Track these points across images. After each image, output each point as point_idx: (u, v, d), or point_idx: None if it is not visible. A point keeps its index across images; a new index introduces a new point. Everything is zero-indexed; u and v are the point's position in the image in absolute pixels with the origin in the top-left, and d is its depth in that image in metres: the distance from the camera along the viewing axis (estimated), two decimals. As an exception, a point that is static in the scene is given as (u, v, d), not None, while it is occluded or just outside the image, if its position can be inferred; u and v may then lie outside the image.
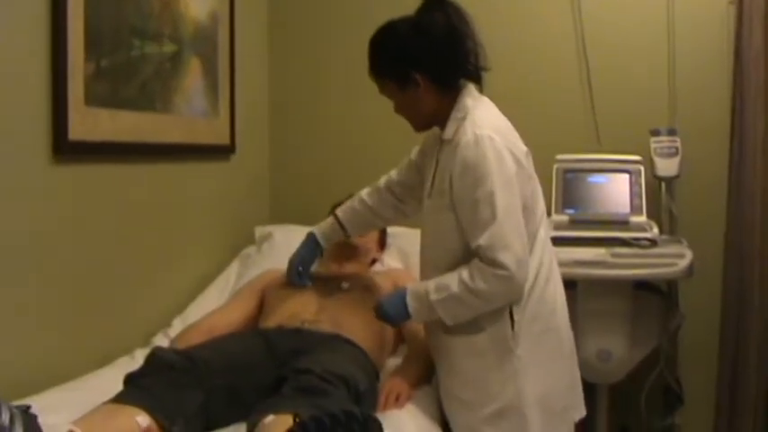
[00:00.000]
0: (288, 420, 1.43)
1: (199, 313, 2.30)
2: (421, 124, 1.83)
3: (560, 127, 2.78)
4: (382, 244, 2.53)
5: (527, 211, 1.71)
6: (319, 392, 1.60)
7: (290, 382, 1.65)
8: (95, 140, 2.02)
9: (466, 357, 1.77)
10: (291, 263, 2.14)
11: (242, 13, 2.81)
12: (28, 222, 1.85)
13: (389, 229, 2.55)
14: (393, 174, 2.09)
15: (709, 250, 2.58)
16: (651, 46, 2.71)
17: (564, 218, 2.50)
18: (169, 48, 2.36)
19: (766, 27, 2.50)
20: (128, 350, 2.15)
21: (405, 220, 2.15)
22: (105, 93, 2.05)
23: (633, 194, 2.51)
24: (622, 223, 2.45)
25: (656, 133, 2.57)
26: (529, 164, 1.76)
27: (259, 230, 2.85)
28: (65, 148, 1.91)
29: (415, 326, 2.06)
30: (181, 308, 2.42)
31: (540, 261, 1.76)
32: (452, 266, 1.72)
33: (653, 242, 2.33)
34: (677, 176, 2.55)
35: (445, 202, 1.72)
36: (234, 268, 2.66)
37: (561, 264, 1.91)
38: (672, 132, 2.57)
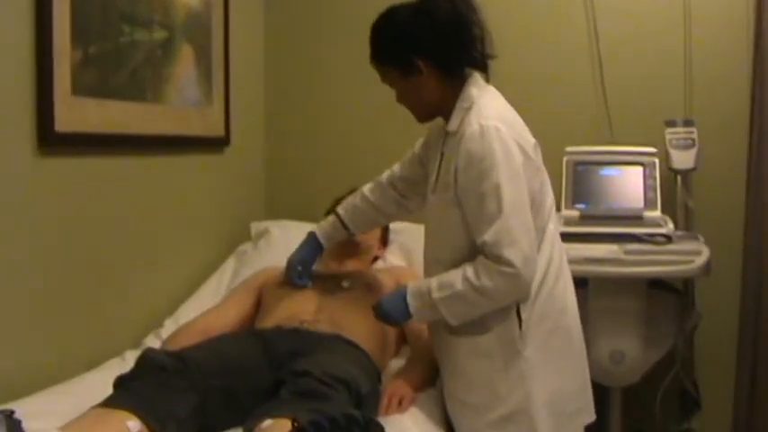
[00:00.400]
0: (286, 425, 1.43)
1: (192, 313, 2.30)
2: (424, 114, 1.82)
3: (571, 117, 2.77)
4: (384, 240, 2.53)
5: (535, 205, 1.70)
6: (319, 396, 1.60)
7: (288, 386, 1.65)
8: (83, 132, 2.01)
9: (471, 358, 1.76)
10: (290, 263, 2.14)
11: (237, -2, 2.81)
12: (12, 218, 1.85)
13: (392, 225, 2.55)
14: (396, 168, 2.08)
15: (727, 247, 2.58)
16: (667, 32, 2.70)
17: (574, 213, 2.50)
18: (160, 34, 2.35)
19: (787, 12, 2.49)
20: (117, 352, 2.14)
21: (408, 216, 2.15)
22: (93, 82, 2.04)
23: (647, 188, 2.50)
24: (636, 218, 2.44)
25: (671, 124, 2.56)
26: (537, 156, 1.76)
27: (255, 226, 2.85)
28: (51, 141, 1.91)
29: (419, 326, 2.06)
30: (173, 307, 2.42)
31: (549, 257, 1.75)
32: (457, 264, 1.71)
33: (668, 238, 2.33)
34: (694, 169, 2.55)
35: (450, 196, 1.71)
36: (229, 266, 2.66)
37: (571, 261, 1.91)
38: (688, 123, 2.56)
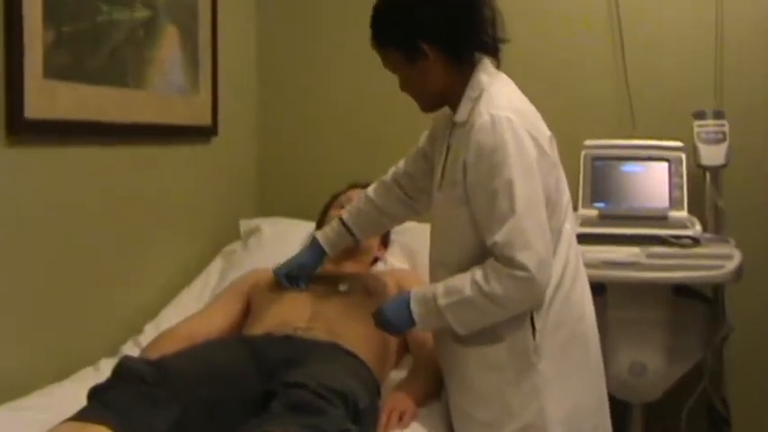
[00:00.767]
0: (276, 441, 1.42)
1: (174, 318, 2.29)
2: (429, 103, 1.82)
3: (589, 108, 2.77)
4: (385, 241, 2.54)
5: (551, 203, 1.70)
6: (313, 410, 1.59)
7: (279, 398, 1.64)
8: (56, 119, 2.00)
9: (481, 371, 1.75)
10: (286, 268, 2.16)
11: (226, -26, 2.81)
12: (-22, 212, 1.84)
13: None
14: (400, 164, 2.09)
15: (761, 250, 2.58)
16: (696, 16, 2.70)
17: (592, 212, 2.49)
18: (142, 13, 2.34)
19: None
20: (92, 360, 2.14)
21: (416, 217, 2.14)
22: (67, 65, 2.03)
23: (673, 186, 2.50)
24: (660, 219, 2.44)
25: (700, 116, 2.55)
26: (553, 150, 1.75)
27: (245, 224, 2.85)
28: (20, 128, 1.90)
29: (422, 334, 2.06)
30: (154, 312, 2.41)
31: (565, 260, 1.74)
32: (465, 267, 1.71)
33: (695, 241, 2.33)
34: (724, 165, 2.54)
35: (458, 193, 1.71)
36: (216, 267, 2.66)
37: (589, 265, 1.91)
38: (718, 115, 2.55)
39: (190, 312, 2.29)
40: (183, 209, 2.64)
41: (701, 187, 2.57)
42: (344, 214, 2.14)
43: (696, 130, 2.54)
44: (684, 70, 2.71)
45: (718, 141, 2.52)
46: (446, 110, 1.84)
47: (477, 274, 1.66)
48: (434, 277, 1.82)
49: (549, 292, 1.70)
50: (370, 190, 2.12)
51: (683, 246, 2.31)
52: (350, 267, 2.30)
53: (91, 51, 2.12)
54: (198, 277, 2.61)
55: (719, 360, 2.68)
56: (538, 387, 1.71)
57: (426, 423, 1.87)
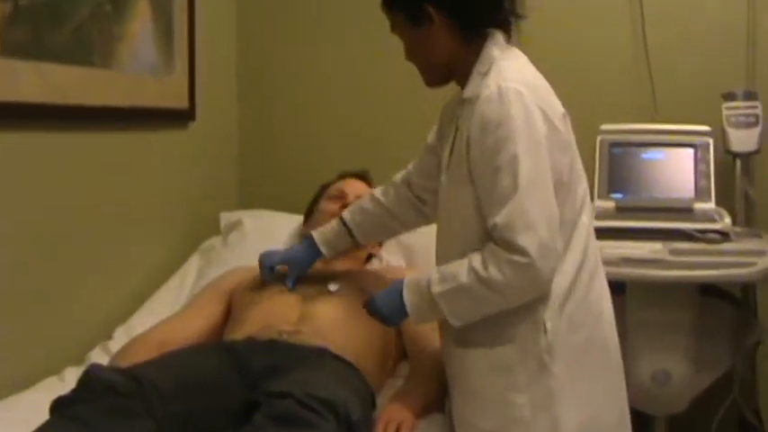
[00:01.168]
0: (259, 457, 1.42)
1: (147, 322, 2.29)
2: (434, 75, 1.83)
3: (606, 89, 2.77)
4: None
5: (563, 187, 1.70)
6: (300, 422, 1.59)
7: (262, 409, 1.64)
8: (13, 101, 1.99)
9: (487, 375, 1.75)
10: (273, 259, 2.17)
11: (203, -59, 2.80)
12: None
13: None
14: (410, 165, 2.11)
15: (796, 246, 2.57)
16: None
17: (609, 204, 2.49)
18: (110, -16, 2.34)
19: None
20: (55, 369, 2.13)
21: (427, 224, 2.11)
22: (26, 41, 2.02)
23: (699, 175, 2.50)
24: (685, 211, 2.44)
25: (729, 97, 2.55)
26: (567, 129, 1.75)
27: (225, 217, 2.86)
28: (-24, 111, 1.90)
29: (423, 336, 2.07)
30: (125, 315, 2.41)
31: (582, 255, 1.74)
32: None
33: (724, 235, 2.33)
34: (756, 152, 2.54)
35: (462, 171, 1.72)
36: (193, 265, 2.67)
37: (606, 262, 1.90)
38: (750, 96, 2.55)
39: (164, 316, 2.29)
40: (156, 201, 2.64)
41: (731, 176, 2.57)
42: (346, 214, 2.15)
43: (725, 112, 2.53)
44: (712, 46, 2.71)
45: (750, 125, 2.52)
46: (454, 95, 1.85)
47: (475, 259, 1.66)
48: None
49: (561, 288, 1.70)
50: (378, 191, 2.14)
51: (710, 241, 2.31)
52: (341, 265, 2.30)
53: (52, 26, 2.11)
54: (173, 276, 2.61)
55: (751, 367, 2.69)
56: (551, 392, 1.70)
57: (426, 436, 1.87)
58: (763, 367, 2.71)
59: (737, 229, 2.44)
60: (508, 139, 1.62)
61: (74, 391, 1.70)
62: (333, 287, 2.19)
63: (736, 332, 2.56)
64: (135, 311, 2.43)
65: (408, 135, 2.87)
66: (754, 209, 2.61)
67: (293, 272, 2.19)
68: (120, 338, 2.28)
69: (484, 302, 1.68)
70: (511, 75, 1.70)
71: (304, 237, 2.21)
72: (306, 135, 3.04)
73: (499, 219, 1.62)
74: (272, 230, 2.69)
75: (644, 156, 2.55)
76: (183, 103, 2.72)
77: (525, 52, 1.83)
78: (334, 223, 2.17)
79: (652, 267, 2.25)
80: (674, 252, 2.27)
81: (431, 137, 2.03)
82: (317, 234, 2.18)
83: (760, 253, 2.26)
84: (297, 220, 2.65)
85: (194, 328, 2.18)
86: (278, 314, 2.08)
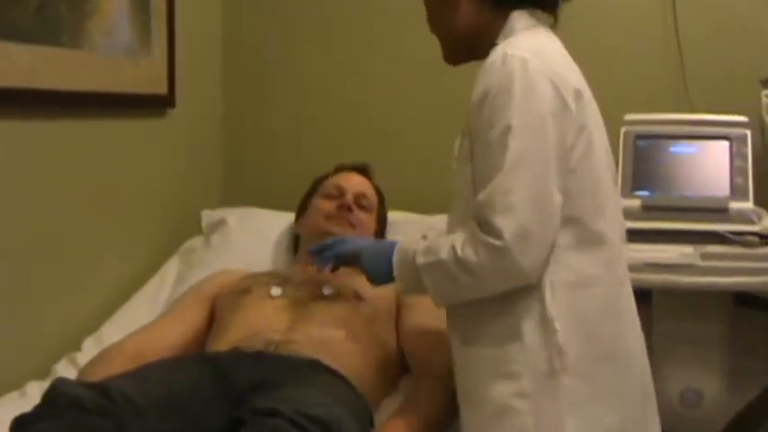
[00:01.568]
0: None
1: (120, 332, 2.29)
2: (454, 48, 1.85)
3: (632, 74, 2.77)
4: (380, 234, 2.54)
5: (574, 176, 1.68)
6: (289, 442, 1.59)
7: (248, 428, 1.64)
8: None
9: (491, 380, 1.73)
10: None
11: None
12: None
13: (389, 216, 2.59)
14: None
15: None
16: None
17: (634, 203, 2.47)
18: (80, -45, 2.33)
19: None
20: (16, 383, 2.13)
21: None
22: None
23: (735, 171, 2.49)
24: (719, 211, 2.42)
25: (769, 84, 2.55)
26: (582, 109, 1.72)
27: (207, 215, 2.87)
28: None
29: (426, 346, 2.07)
30: (95, 324, 2.42)
31: (602, 257, 1.73)
32: None
33: (763, 238, 2.32)
34: (799, 145, 2.54)
35: (465, 148, 1.73)
36: (172, 268, 2.68)
37: (629, 267, 1.89)
38: (792, 83, 2.55)
39: (140, 323, 2.29)
40: (131, 197, 2.64)
41: (771, 172, 2.58)
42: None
43: (765, 101, 2.53)
44: (751, 27, 2.71)
45: (792, 116, 2.52)
46: None
47: (458, 237, 1.67)
48: None
49: (569, 282, 1.68)
50: None
51: (746, 244, 2.30)
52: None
53: (14, 1, 2.11)
54: (149, 282, 2.62)
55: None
56: (561, 408, 1.68)
57: (429, 459, 1.88)
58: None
59: (777, 231, 2.44)
60: (504, 110, 1.62)
61: (37, 408, 1.69)
62: (327, 291, 2.20)
63: (776, 346, 2.57)
64: (106, 320, 2.44)
65: (409, 125, 2.90)
66: (796, 209, 2.61)
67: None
68: (89, 350, 2.28)
69: (459, 284, 1.68)
70: (521, 44, 1.70)
71: (295, 237, 2.20)
72: (298, 125, 3.04)
73: (481, 196, 1.63)
74: (260, 230, 2.69)
75: (673, 149, 2.54)
76: (161, 88, 2.72)
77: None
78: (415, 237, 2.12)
79: (681, 273, 2.24)
80: (706, 256, 2.26)
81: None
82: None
83: (802, 258, 2.27)
84: (287, 218, 2.65)
85: (173, 337, 2.18)
86: (266, 321, 2.09)
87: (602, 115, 1.86)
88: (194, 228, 2.84)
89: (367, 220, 2.44)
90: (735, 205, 2.44)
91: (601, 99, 1.88)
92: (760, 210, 2.44)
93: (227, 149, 3.12)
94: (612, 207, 1.79)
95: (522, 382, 1.69)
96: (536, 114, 1.64)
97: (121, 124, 2.58)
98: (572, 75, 1.75)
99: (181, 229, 2.83)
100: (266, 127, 3.08)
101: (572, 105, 1.69)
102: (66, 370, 2.20)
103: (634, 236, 2.26)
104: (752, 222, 2.37)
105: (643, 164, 2.54)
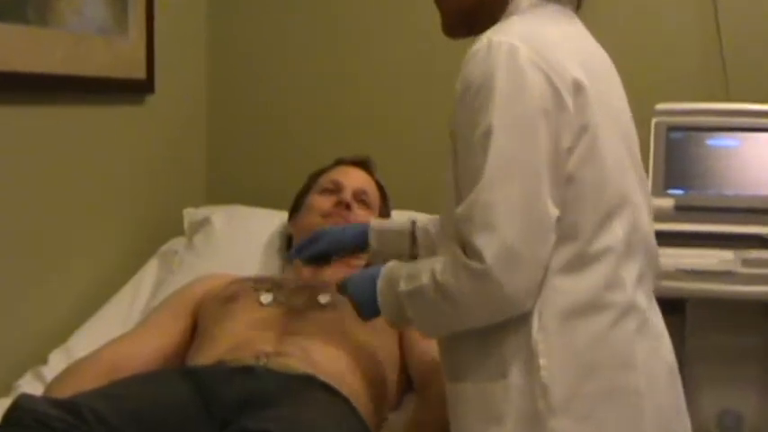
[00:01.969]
0: None
1: (91, 343, 2.28)
2: (455, 22, 1.82)
3: (665, 60, 2.77)
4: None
5: (573, 185, 1.62)
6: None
7: (235, 451, 1.64)
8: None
9: (477, 423, 1.69)
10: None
11: None
12: None
13: (392, 215, 2.58)
14: None
15: None
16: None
17: (667, 202, 2.47)
18: None
19: None
20: (-23, 399, 2.13)
21: None
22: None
23: (780, 166, 2.49)
24: (762, 212, 2.43)
25: (819, 70, 2.55)
26: (582, 105, 1.65)
27: (190, 214, 2.87)
28: None
29: (431, 363, 2.05)
30: (63, 335, 2.41)
31: (604, 280, 1.69)
32: None
33: (811, 243, 2.32)
34: None
35: (450, 148, 1.69)
36: (150, 272, 2.68)
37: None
38: None
39: (112, 335, 2.28)
40: (104, 193, 2.64)
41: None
42: (422, 219, 2.19)
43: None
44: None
45: None
46: None
47: (439, 259, 1.64)
48: None
49: (560, 308, 1.63)
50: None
51: (793, 249, 2.31)
52: (335, 273, 2.26)
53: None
54: (124, 287, 2.62)
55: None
56: None
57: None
58: None
59: (828, 235, 2.44)
60: (486, 108, 1.57)
61: (-1, 427, 1.69)
62: (324, 299, 2.20)
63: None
64: (75, 331, 2.44)
65: (408, 115, 2.90)
66: None
67: (327, 252, 2.21)
68: (56, 364, 2.28)
69: (440, 312, 1.65)
70: (513, 28, 1.66)
71: (288, 237, 2.19)
72: (291, 114, 3.05)
73: (461, 209, 1.59)
74: (248, 230, 2.69)
75: (711, 142, 2.54)
76: (138, 71, 2.73)
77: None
78: (403, 219, 2.20)
79: (719, 281, 2.25)
80: (747, 263, 2.26)
81: None
82: (375, 221, 2.22)
83: None
84: (278, 217, 2.65)
85: (151, 349, 2.18)
86: (255, 332, 2.09)
87: (631, 105, 1.84)
88: (175, 228, 2.84)
89: (367, 218, 2.43)
90: (780, 205, 2.45)
91: (629, 86, 1.86)
92: (808, 210, 2.44)
93: (211, 141, 3.12)
94: (630, 216, 1.71)
95: (509, 427, 1.66)
96: (524, 113, 1.58)
97: (93, 111, 2.58)
98: (574, 64, 1.66)
99: (160, 230, 2.83)
100: (255, 116, 3.09)
101: (569, 101, 1.61)
102: (31, 385, 2.20)
103: (666, 239, 2.23)
104: (799, 224, 2.37)
105: (677, 159, 2.53)
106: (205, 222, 2.79)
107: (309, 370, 1.98)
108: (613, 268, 1.65)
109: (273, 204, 2.75)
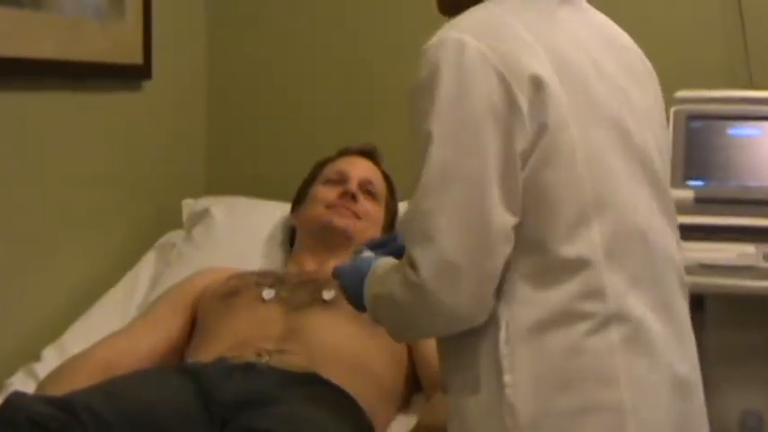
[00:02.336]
0: None
1: (86, 340, 2.29)
2: (448, 2, 1.78)
3: (686, 47, 2.78)
4: (390, 228, 2.52)
5: (535, 190, 1.55)
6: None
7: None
8: None
9: None
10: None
11: None
12: None
13: (401, 208, 2.55)
14: None
15: None
16: None
17: (686, 194, 2.47)
18: None
19: None
20: (-32, 398, 2.13)
21: None
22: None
23: (805, 157, 2.49)
24: (785, 205, 2.43)
25: None
26: (542, 103, 1.56)
27: (189, 205, 2.87)
28: None
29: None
30: (56, 331, 2.42)
31: (579, 289, 1.64)
32: None
33: (837, 236, 2.32)
34: None
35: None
36: (147, 266, 2.69)
37: (682, 269, 1.89)
38: None
39: (108, 331, 2.29)
40: (99, 183, 2.64)
41: None
42: None
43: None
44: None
45: None
46: None
47: (396, 265, 1.62)
48: None
49: (529, 322, 1.55)
50: None
51: (818, 243, 2.31)
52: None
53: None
54: (121, 282, 2.62)
55: None
56: None
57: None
58: None
59: None
60: (428, 112, 1.53)
61: (-9, 427, 1.70)
62: (327, 295, 2.19)
63: None
64: (69, 327, 2.44)
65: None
66: None
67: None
68: (49, 360, 2.28)
69: (394, 321, 1.65)
70: (469, 20, 1.61)
71: (291, 230, 2.19)
72: (295, 101, 3.04)
73: (403, 214, 1.60)
74: (249, 222, 2.69)
75: (732, 132, 2.54)
76: (135, 56, 2.72)
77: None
78: None
79: (740, 276, 2.25)
80: (769, 257, 2.27)
81: None
82: None
83: None
84: (281, 209, 2.65)
85: (148, 346, 2.18)
86: (257, 328, 2.09)
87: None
88: (173, 219, 2.84)
89: (374, 210, 2.44)
90: (804, 197, 2.45)
91: (648, 73, 1.87)
92: (834, 203, 2.44)
93: (211, 129, 3.12)
94: (612, 219, 1.60)
95: None
96: (466, 117, 1.53)
97: (88, 98, 2.58)
98: (537, 58, 1.59)
99: (158, 221, 2.83)
100: (257, 104, 3.08)
101: (522, 100, 1.54)
102: (24, 383, 2.20)
103: (685, 232, 2.23)
104: (824, 217, 2.37)
105: (696, 149, 2.53)
106: (204, 214, 2.78)
107: (312, 368, 1.99)
108: (590, 277, 1.57)
109: (276, 195, 2.75)
